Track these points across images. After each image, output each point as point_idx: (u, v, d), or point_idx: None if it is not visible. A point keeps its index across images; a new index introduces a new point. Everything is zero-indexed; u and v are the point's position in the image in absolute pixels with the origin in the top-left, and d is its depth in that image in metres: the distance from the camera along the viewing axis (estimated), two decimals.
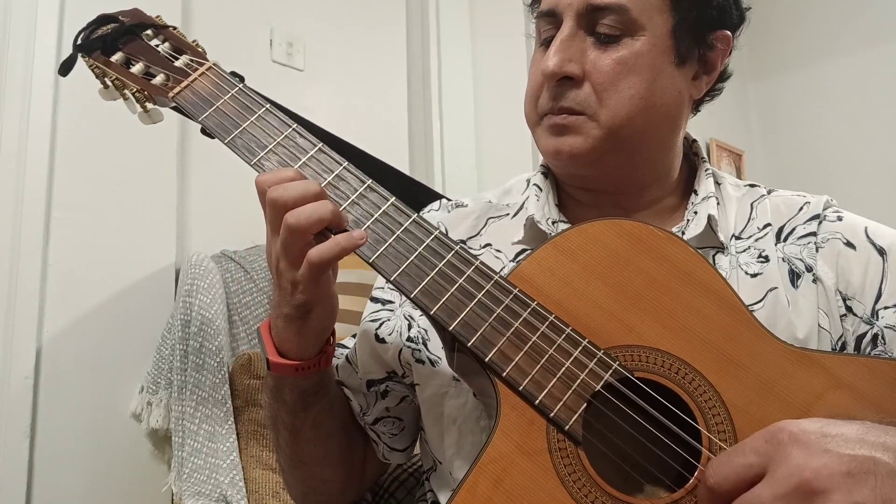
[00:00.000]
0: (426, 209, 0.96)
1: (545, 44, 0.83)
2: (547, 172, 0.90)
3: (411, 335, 0.85)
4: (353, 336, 0.92)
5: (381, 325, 0.87)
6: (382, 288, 0.92)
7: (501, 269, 0.82)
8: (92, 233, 1.50)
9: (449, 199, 0.97)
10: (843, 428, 0.54)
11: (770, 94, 3.45)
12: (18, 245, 1.40)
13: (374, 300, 0.91)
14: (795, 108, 3.36)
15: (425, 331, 0.84)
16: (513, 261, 0.84)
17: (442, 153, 2.14)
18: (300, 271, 0.69)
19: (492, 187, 0.98)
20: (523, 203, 0.89)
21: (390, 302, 0.89)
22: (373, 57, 2.12)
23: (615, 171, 0.83)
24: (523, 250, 0.84)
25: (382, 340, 0.86)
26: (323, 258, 0.68)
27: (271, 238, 0.71)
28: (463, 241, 0.88)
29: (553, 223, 0.84)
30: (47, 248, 1.44)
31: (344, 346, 0.92)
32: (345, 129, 1.97)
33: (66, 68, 0.85)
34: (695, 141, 0.92)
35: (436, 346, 0.82)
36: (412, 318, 0.86)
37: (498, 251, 0.86)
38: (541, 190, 0.87)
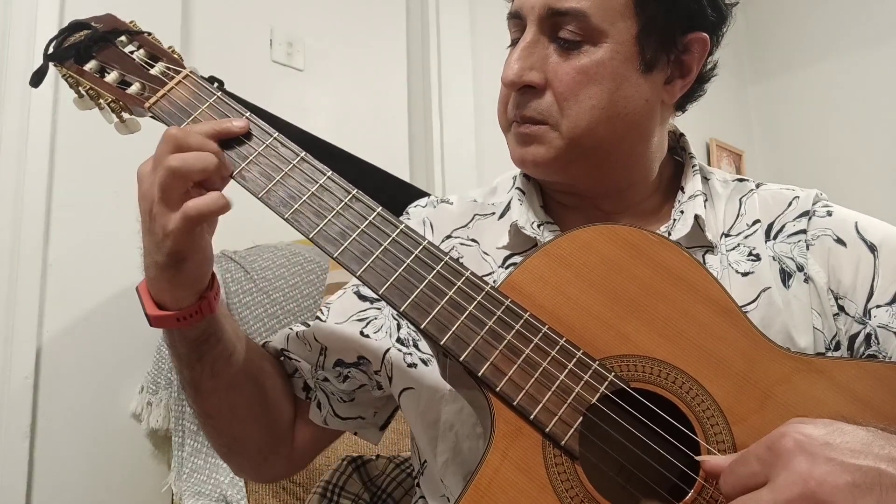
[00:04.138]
0: (412, 205, 0.96)
1: (514, 45, 0.82)
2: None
3: (401, 336, 0.84)
4: (320, 317, 0.90)
5: (367, 323, 0.86)
6: None
7: (491, 275, 0.82)
8: (92, 233, 1.50)
9: (436, 197, 0.97)
10: (848, 437, 0.53)
11: (770, 94, 3.44)
12: (18, 245, 1.41)
13: (363, 298, 0.90)
14: (795, 108, 3.35)
15: (416, 331, 0.83)
16: (501, 266, 0.83)
17: (442, 153, 2.14)
18: (173, 221, 0.67)
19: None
20: (509, 202, 0.88)
21: (378, 300, 0.88)
22: (373, 57, 2.11)
23: (585, 177, 0.82)
24: (511, 255, 0.84)
25: (367, 336, 0.85)
26: (201, 211, 0.67)
27: (149, 176, 0.68)
28: (449, 235, 0.88)
29: (538, 226, 0.83)
30: (47, 248, 1.44)
31: (305, 325, 0.90)
32: (345, 129, 1.97)
33: (37, 79, 0.81)
34: (682, 135, 0.90)
35: (427, 346, 0.81)
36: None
37: (486, 254, 0.85)
38: (524, 193, 0.87)
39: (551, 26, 0.78)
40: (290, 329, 0.89)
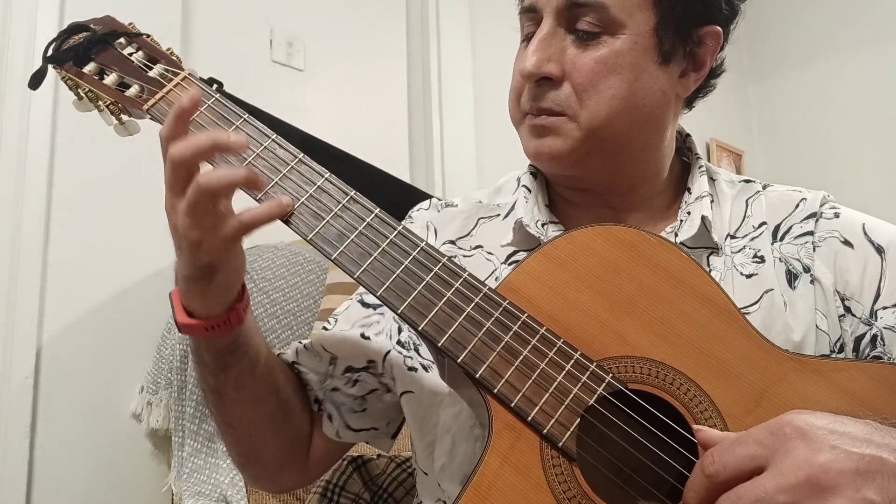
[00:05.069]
0: (415, 208, 0.95)
1: (527, 40, 0.81)
2: (536, 172, 0.88)
3: (402, 339, 0.84)
4: (326, 326, 0.91)
5: (368, 327, 0.87)
6: None
7: (493, 272, 0.82)
8: (92, 233, 1.50)
9: (439, 199, 0.96)
10: (850, 426, 0.54)
11: (770, 94, 3.45)
12: (18, 245, 1.41)
13: (366, 305, 0.90)
14: (795, 108, 3.35)
15: (416, 334, 0.81)
16: (504, 262, 0.83)
17: (442, 153, 2.14)
18: (215, 234, 0.67)
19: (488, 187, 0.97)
20: (514, 204, 0.87)
21: (380, 305, 0.88)
22: (373, 57, 2.11)
23: (599, 171, 0.81)
24: (514, 252, 0.83)
25: (367, 338, 0.85)
26: (259, 220, 0.68)
27: (168, 196, 0.68)
28: (452, 241, 0.87)
29: (543, 225, 0.83)
30: (47, 248, 1.45)
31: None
32: (345, 129, 1.97)
33: (36, 81, 0.81)
34: (688, 136, 0.90)
35: (428, 352, 0.81)
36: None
37: (489, 253, 0.85)
38: (529, 191, 0.86)
39: (569, 18, 0.77)
40: (300, 342, 0.89)
